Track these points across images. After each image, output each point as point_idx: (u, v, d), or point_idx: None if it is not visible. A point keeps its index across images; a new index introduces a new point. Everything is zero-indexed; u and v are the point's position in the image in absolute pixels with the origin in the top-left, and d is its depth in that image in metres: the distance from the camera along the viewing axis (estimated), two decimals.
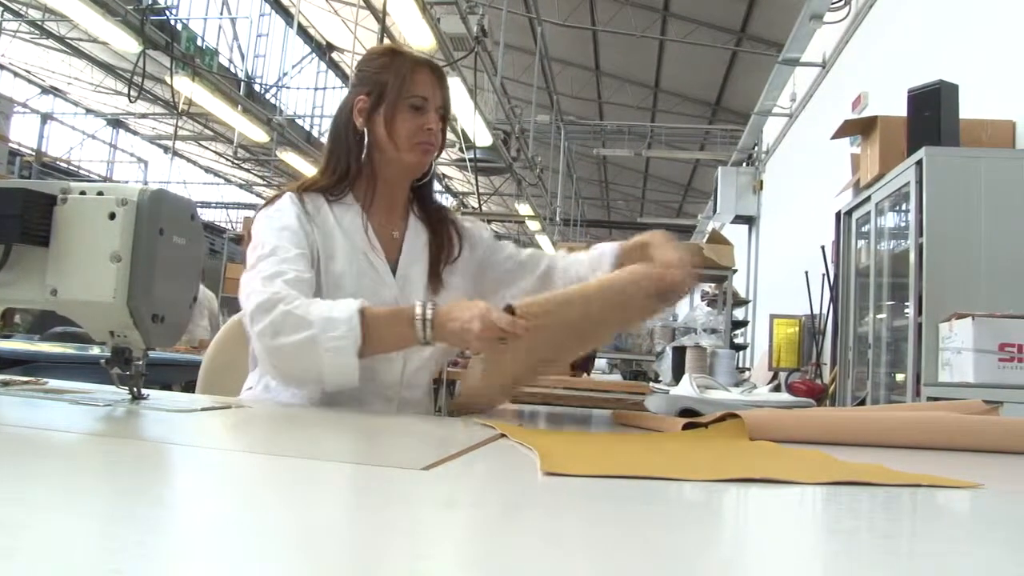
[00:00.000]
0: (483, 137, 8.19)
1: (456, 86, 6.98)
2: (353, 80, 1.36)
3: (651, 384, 2.64)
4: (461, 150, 9.67)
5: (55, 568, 0.29)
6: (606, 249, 1.36)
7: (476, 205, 11.16)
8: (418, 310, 1.05)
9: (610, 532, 0.44)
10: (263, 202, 1.32)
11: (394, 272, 1.28)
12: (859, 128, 3.76)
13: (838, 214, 4.11)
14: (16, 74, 13.25)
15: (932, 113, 3.03)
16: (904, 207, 3.24)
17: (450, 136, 11.74)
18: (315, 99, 13.47)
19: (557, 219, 11.91)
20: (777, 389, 2.50)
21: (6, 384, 0.94)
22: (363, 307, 1.06)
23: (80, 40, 10.50)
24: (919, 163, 2.93)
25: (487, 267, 1.41)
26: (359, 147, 1.28)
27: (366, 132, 1.28)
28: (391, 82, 1.26)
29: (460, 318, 1.03)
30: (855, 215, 3.89)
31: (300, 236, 1.19)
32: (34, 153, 11.12)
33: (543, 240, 10.90)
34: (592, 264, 1.36)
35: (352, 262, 1.24)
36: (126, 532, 0.35)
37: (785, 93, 7.34)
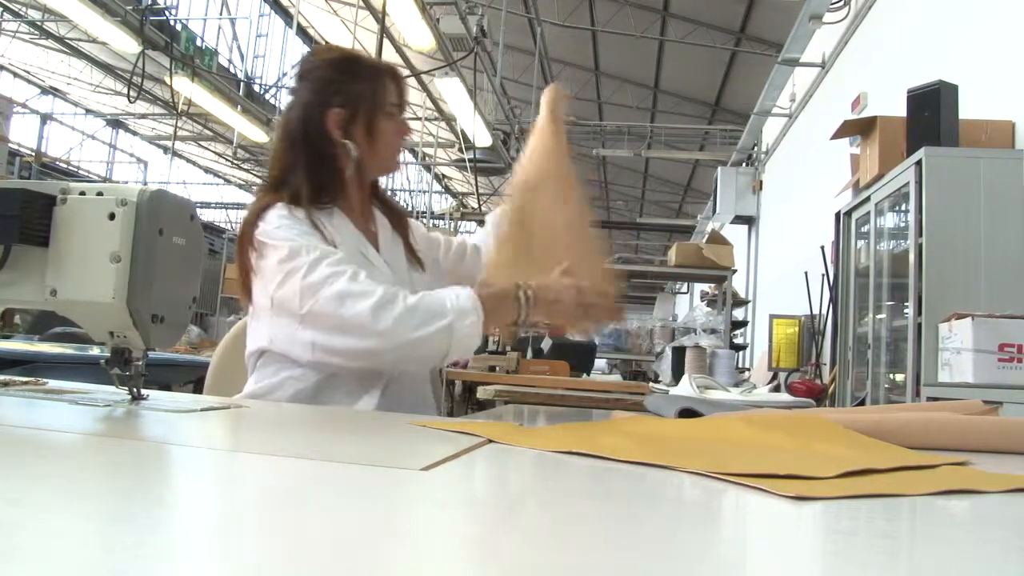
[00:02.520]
0: (483, 137, 8.20)
1: (455, 86, 6.99)
2: (310, 87, 1.29)
3: (650, 384, 2.64)
4: (461, 150, 9.68)
5: (54, 569, 0.29)
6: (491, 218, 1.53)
7: (476, 205, 11.17)
8: (519, 291, 1.17)
9: (613, 531, 0.44)
10: (249, 214, 1.27)
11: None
12: (858, 128, 3.76)
13: (837, 214, 4.11)
14: (16, 74, 13.26)
15: (931, 113, 3.03)
16: (903, 207, 3.24)
17: (449, 136, 11.76)
18: None
19: None
20: (777, 389, 2.50)
21: (6, 384, 0.94)
22: (477, 293, 1.16)
23: (79, 40, 10.51)
24: (918, 163, 2.93)
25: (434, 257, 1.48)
26: (341, 158, 1.28)
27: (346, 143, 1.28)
28: (365, 94, 1.28)
29: (555, 289, 1.18)
30: (855, 215, 3.89)
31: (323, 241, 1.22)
32: (34, 153, 11.12)
33: None
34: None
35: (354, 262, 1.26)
36: (125, 533, 0.35)
37: (784, 93, 7.34)
